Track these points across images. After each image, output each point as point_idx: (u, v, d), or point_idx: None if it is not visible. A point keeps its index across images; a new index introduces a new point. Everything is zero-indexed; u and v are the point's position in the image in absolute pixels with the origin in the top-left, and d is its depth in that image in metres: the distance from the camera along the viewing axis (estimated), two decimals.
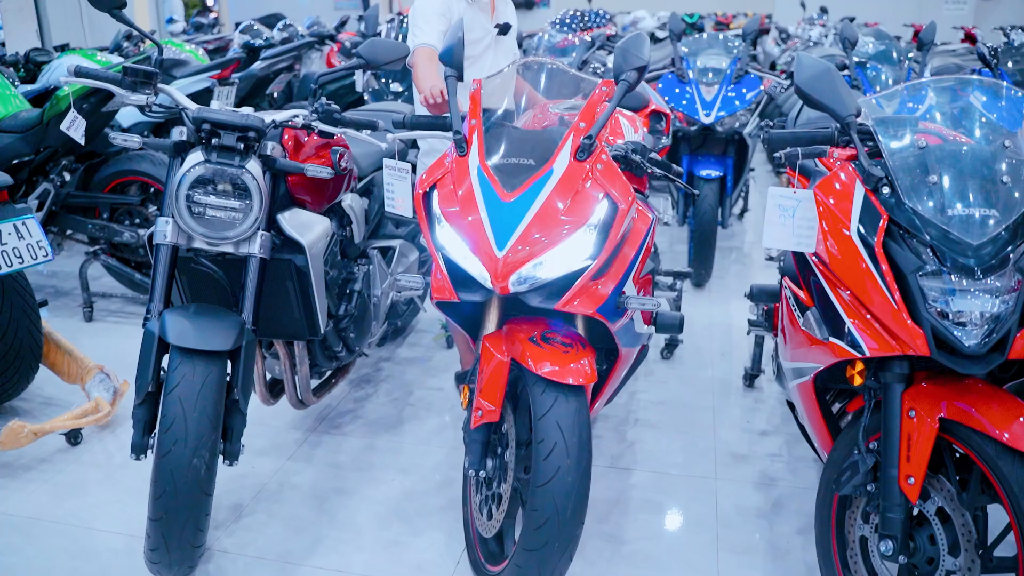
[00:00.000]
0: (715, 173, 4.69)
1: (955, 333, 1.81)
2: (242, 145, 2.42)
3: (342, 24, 8.60)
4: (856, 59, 4.95)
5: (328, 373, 3.26)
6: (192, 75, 5.11)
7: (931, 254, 1.86)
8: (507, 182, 2.14)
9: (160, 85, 2.58)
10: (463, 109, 2.34)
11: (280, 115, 2.59)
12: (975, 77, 2.20)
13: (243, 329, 2.39)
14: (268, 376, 3.03)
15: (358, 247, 3.10)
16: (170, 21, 13.32)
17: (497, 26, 3.23)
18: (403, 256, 3.41)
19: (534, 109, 2.58)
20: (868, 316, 1.94)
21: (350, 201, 2.98)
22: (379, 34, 6.29)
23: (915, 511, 1.99)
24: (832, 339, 2.02)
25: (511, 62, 2.73)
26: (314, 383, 3.17)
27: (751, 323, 3.27)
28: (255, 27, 7.19)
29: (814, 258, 2.13)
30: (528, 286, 2.06)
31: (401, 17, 7.06)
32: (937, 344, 1.83)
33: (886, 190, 1.94)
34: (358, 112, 3.74)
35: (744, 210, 6.34)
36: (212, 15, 15.77)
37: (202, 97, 5.01)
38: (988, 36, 10.87)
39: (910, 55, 5.21)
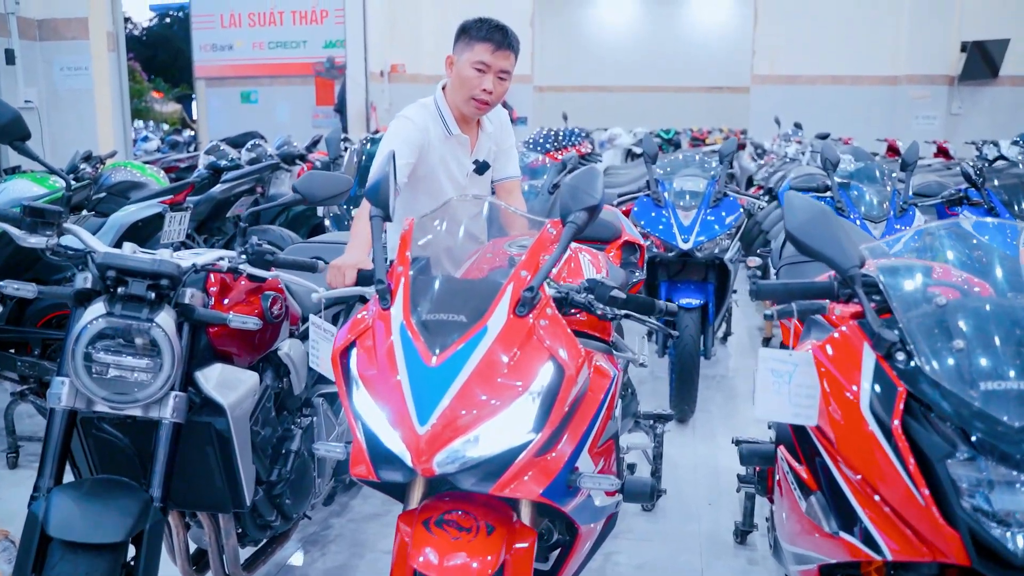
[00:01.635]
0: (695, 301, 4.39)
1: (997, 535, 1.47)
2: (153, 294, 2.11)
3: (314, 144, 8.44)
4: (838, 179, 4.76)
5: (264, 541, 2.86)
6: (142, 200, 4.85)
7: (960, 433, 1.54)
8: (433, 342, 1.80)
9: (66, 224, 2.28)
10: (390, 255, 2.02)
11: (203, 257, 2.29)
12: (988, 220, 1.94)
13: (148, 509, 2.04)
14: (193, 546, 2.64)
15: (299, 398, 2.76)
16: (145, 140, 13.26)
17: (475, 163, 2.96)
18: None
19: (484, 248, 2.28)
20: (886, 507, 1.60)
21: (288, 349, 2.64)
22: (341, 157, 6.11)
23: None
24: (843, 533, 1.67)
25: (446, 199, 2.41)
26: (248, 552, 2.78)
27: (740, 479, 2.91)
28: (221, 147, 6.97)
29: (816, 430, 1.80)
30: (458, 466, 1.72)
31: (369, 137, 6.91)
32: (975, 548, 1.49)
33: (901, 356, 1.63)
34: (310, 244, 3.46)
35: (727, 334, 6.03)
36: (189, 133, 15.79)
37: (153, 223, 4.73)
38: (960, 149, 10.93)
39: (893, 174, 5.04)
